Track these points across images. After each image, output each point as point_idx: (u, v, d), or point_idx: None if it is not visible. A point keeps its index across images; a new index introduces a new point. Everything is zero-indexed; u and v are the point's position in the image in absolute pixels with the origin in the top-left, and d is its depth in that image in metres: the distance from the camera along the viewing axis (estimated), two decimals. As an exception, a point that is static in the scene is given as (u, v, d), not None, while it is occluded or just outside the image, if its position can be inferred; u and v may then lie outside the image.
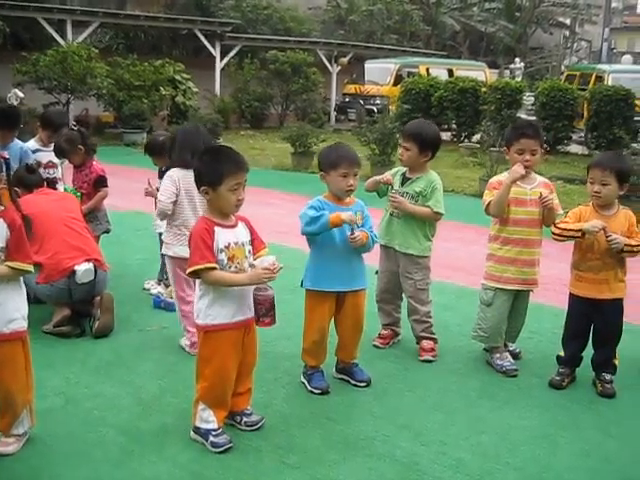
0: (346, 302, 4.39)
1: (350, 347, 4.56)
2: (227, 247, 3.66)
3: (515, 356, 5.03)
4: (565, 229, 4.54)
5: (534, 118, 19.54)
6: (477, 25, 41.80)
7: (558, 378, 4.67)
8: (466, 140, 20.40)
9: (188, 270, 3.70)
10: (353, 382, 4.56)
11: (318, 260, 4.32)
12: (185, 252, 4.99)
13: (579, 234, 4.47)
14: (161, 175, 6.14)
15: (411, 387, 4.57)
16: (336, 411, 4.22)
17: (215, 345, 3.71)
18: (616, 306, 4.59)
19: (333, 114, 26.79)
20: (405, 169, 5.05)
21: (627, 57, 33.01)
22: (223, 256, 3.65)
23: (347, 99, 25.34)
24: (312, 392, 4.42)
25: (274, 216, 9.78)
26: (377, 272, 5.26)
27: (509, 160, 4.85)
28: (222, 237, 3.65)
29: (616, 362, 4.66)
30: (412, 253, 5.01)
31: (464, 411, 4.28)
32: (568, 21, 51.66)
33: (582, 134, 19.73)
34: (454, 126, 20.94)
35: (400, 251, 5.02)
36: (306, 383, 4.48)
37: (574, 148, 19.89)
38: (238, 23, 25.26)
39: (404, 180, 5.02)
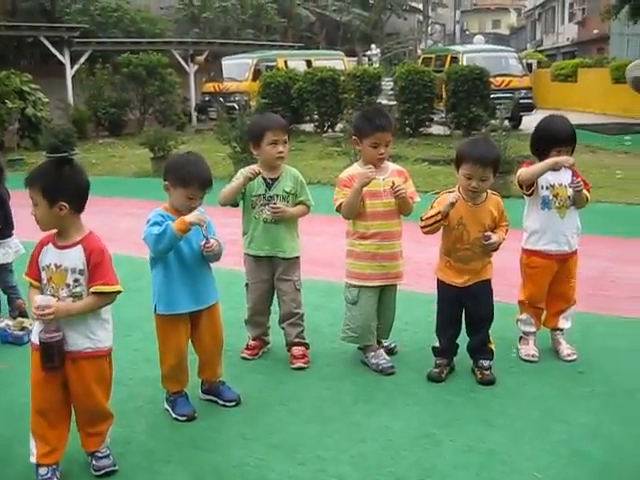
0: (201, 319, 4.02)
1: (213, 365, 4.20)
2: (47, 267, 3.33)
3: (390, 351, 4.81)
4: (428, 218, 4.33)
5: (394, 103, 19.74)
6: (332, 14, 42.02)
7: (436, 370, 4.48)
8: (329, 130, 20.33)
9: None
10: (221, 402, 4.21)
11: (170, 281, 3.90)
12: None
13: (439, 217, 4.28)
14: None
15: (283, 400, 4.25)
16: (204, 438, 3.85)
17: (32, 374, 3.39)
18: (485, 288, 4.45)
19: (194, 114, 26.20)
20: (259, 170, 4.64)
21: (479, 37, 33.91)
22: (44, 275, 3.35)
23: (207, 98, 24.78)
24: (177, 419, 4.03)
25: (133, 227, 9.22)
26: (247, 285, 4.90)
27: (360, 151, 4.62)
28: (47, 256, 3.36)
29: (492, 347, 4.52)
30: (296, 255, 4.75)
31: (340, 419, 4.00)
32: (421, 6, 52.87)
33: (443, 115, 20.03)
34: (316, 117, 20.83)
35: (283, 257, 4.70)
36: (170, 410, 4.09)
37: (436, 129, 20.19)
38: (86, 28, 24.24)
39: (266, 182, 4.66)
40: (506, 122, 16.94)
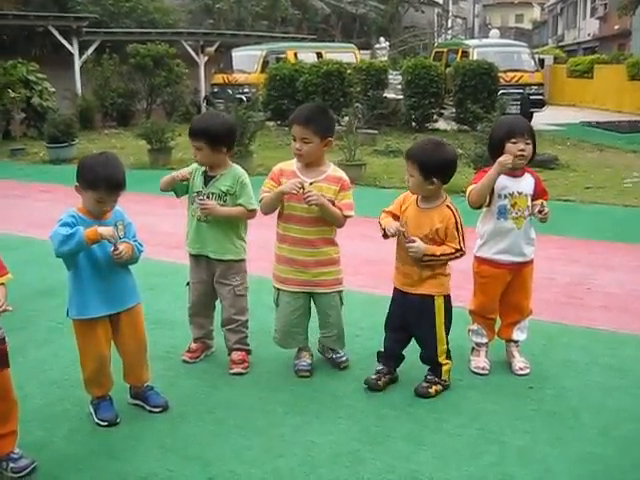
0: (122, 322, 3.86)
1: (137, 369, 4.04)
2: None
3: (338, 365, 4.61)
4: (381, 226, 4.15)
5: (401, 97, 19.50)
6: (348, 7, 41.51)
7: (374, 377, 4.26)
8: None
9: None
10: (148, 408, 4.05)
11: (80, 284, 3.73)
12: None
13: (382, 234, 4.10)
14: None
15: (213, 408, 4.07)
16: (121, 446, 3.69)
17: None
18: (425, 305, 4.13)
19: (203, 105, 26.01)
20: (204, 167, 4.50)
21: (494, 32, 33.39)
22: None
23: (216, 89, 24.53)
24: (98, 424, 3.88)
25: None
26: (188, 283, 4.73)
27: None
28: None
29: (443, 363, 4.23)
30: (230, 259, 4.51)
31: (266, 431, 3.81)
32: (441, -1, 52.39)
33: (453, 110, 19.74)
34: (322, 110, 20.57)
35: (215, 258, 4.51)
36: (93, 414, 3.94)
37: (443, 124, 19.91)
38: (96, 17, 24.04)
39: (206, 179, 4.49)
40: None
